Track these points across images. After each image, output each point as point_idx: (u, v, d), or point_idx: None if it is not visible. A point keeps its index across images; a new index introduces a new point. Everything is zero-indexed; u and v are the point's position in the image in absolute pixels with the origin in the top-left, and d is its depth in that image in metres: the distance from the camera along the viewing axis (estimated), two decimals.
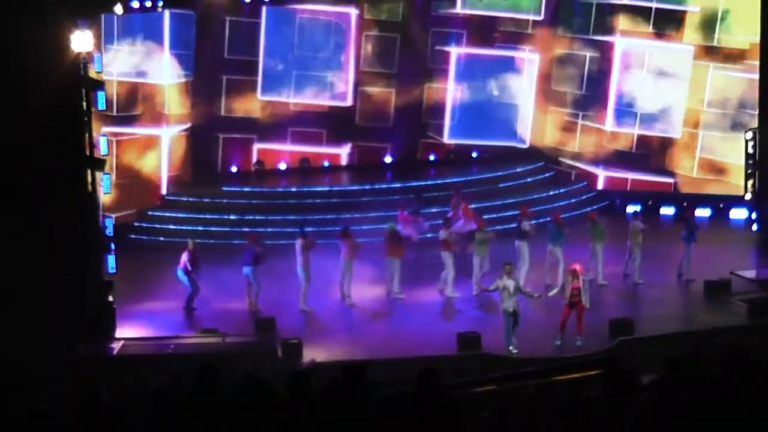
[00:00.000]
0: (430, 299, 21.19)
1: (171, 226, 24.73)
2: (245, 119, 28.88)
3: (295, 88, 28.96)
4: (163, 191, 26.91)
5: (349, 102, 29.39)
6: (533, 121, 30.39)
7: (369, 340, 18.83)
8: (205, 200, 26.47)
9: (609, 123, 29.31)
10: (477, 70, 29.84)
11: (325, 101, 29.24)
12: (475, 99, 29.92)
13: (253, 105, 28.89)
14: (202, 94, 28.20)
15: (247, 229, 23.07)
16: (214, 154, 28.78)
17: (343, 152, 29.76)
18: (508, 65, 29.92)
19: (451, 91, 29.97)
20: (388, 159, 29.84)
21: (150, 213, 26.11)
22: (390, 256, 21.25)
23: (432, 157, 30.21)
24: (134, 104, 26.52)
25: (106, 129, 21.94)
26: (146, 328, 19.32)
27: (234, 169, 28.87)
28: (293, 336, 18.26)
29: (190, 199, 26.56)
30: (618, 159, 29.45)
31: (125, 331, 18.76)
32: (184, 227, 24.51)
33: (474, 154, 30.17)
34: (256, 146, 29.02)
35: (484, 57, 29.78)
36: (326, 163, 29.47)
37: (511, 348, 17.95)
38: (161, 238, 24.44)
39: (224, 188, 27.22)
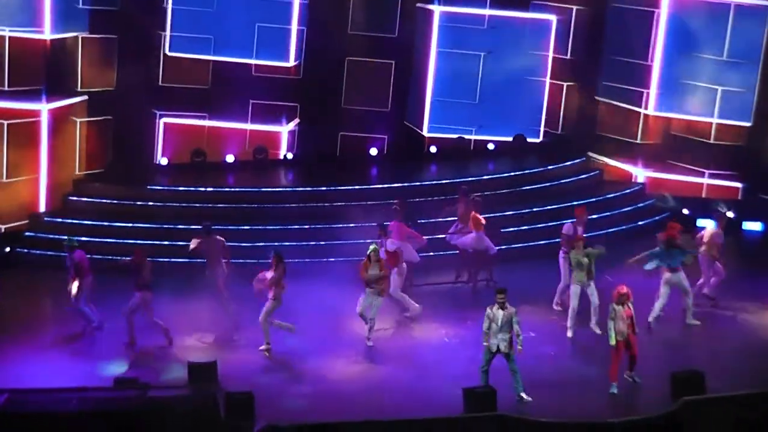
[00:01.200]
0: (425, 339, 21.36)
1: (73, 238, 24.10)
2: (191, 90, 28.94)
3: (259, 46, 28.64)
4: (65, 191, 26.87)
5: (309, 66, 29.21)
6: (562, 103, 30.67)
7: (344, 395, 18.73)
8: (125, 203, 26.52)
9: (662, 106, 29.48)
10: (486, 35, 29.89)
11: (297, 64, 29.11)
12: (489, 74, 30.04)
13: (203, 70, 28.90)
14: (132, 57, 28.11)
15: (182, 243, 22.93)
16: (147, 139, 28.82)
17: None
18: (532, 27, 30.06)
19: (433, 65, 29.98)
20: (373, 151, 30.07)
21: (47, 220, 26.06)
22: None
23: (433, 149, 30.32)
24: (32, 72, 26.47)
25: None
26: (40, 376, 18.96)
27: (164, 161, 28.84)
28: (241, 387, 17.76)
29: (103, 202, 26.61)
30: (681, 152, 29.68)
31: (11, 380, 18.35)
32: (91, 239, 24.11)
33: (490, 146, 30.33)
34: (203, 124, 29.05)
35: (498, 18, 29.87)
36: (289, 155, 29.51)
37: (522, 396, 18.20)
38: (60, 254, 24.15)
39: (150, 187, 27.26)
